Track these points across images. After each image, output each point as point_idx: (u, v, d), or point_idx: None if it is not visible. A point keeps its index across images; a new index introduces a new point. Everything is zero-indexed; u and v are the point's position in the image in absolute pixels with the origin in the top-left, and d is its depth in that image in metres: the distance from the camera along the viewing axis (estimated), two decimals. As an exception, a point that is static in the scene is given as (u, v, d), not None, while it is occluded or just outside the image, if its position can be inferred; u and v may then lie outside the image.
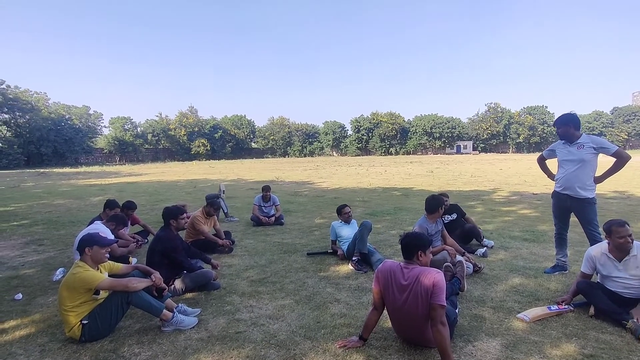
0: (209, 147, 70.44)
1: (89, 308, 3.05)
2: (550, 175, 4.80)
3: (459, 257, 4.51)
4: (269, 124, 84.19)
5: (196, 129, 71.29)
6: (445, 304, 2.70)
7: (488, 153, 72.70)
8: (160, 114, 72.08)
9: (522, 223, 7.47)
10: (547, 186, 14.44)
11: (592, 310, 3.43)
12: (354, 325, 3.33)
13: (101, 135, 67.81)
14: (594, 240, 4.26)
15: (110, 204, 5.74)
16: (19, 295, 4.16)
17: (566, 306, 3.53)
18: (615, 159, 4.19)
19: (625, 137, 71.89)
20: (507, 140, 76.85)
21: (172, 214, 4.25)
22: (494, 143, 77.58)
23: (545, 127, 74.36)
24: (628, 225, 3.41)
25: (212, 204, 6.13)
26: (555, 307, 3.51)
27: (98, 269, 3.19)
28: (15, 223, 8.74)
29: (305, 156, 79.87)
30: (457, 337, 3.06)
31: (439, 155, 69.72)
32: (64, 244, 6.61)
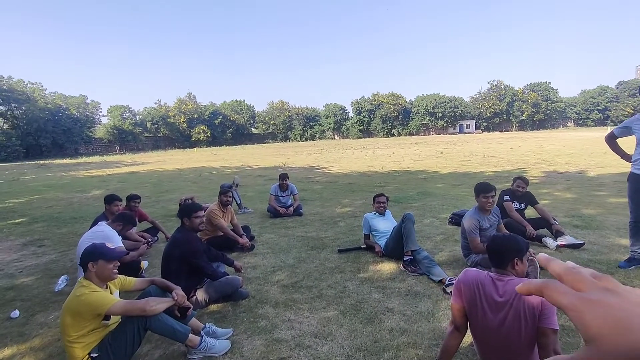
0: (209, 134, 69.49)
1: (98, 337, 2.45)
2: (625, 156, 4.13)
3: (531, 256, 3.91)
4: (268, 109, 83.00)
5: (196, 116, 70.18)
6: (558, 328, 2.09)
7: (491, 132, 71.73)
8: (159, 101, 70.91)
9: (563, 207, 6.85)
10: (570, 164, 13.79)
11: None
12: (420, 345, 2.73)
13: (100, 124, 66.77)
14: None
15: (110, 199, 5.08)
16: (16, 313, 3.57)
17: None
18: None
19: (631, 111, 70.54)
20: (511, 118, 75.79)
21: (184, 211, 3.63)
22: (497, 121, 76.53)
23: (549, 104, 73.16)
24: None
25: (221, 192, 5.51)
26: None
27: (107, 288, 2.58)
28: (12, 221, 8.14)
29: (306, 140, 78.93)
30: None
31: (441, 135, 68.72)
32: (66, 244, 6.01)
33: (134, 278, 2.86)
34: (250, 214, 7.75)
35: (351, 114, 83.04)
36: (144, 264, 4.51)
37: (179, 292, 2.75)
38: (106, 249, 2.54)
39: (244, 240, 5.17)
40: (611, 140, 4.19)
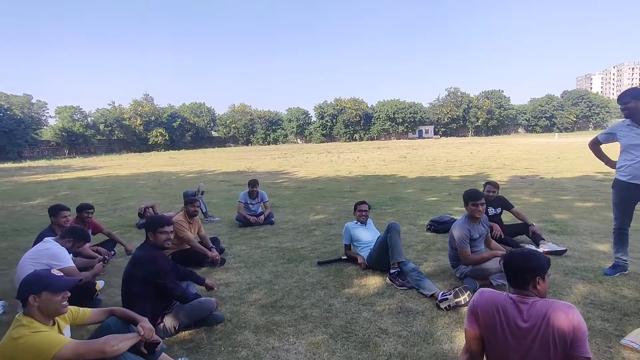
0: (167, 137, 66.87)
1: (42, 389, 1.97)
2: (609, 163, 4.11)
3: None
4: (230, 112, 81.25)
5: (153, 118, 67.28)
6: (591, 356, 1.88)
7: (449, 137, 74.28)
8: (113, 103, 67.44)
9: (534, 212, 6.91)
10: (530, 169, 14.30)
11: None
12: (424, 373, 2.46)
13: (47, 126, 62.41)
14: (667, 235, 3.63)
15: (55, 210, 4.42)
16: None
17: (670, 323, 2.86)
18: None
19: (574, 119, 75.83)
20: (467, 124, 78.88)
21: (150, 225, 3.17)
22: (454, 127, 79.40)
23: (502, 111, 76.90)
24: None
25: (188, 201, 5.03)
26: (659, 325, 2.82)
27: (54, 324, 2.10)
28: (-60, 235, 7.12)
29: (269, 144, 77.99)
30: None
31: (402, 140, 70.31)
32: (6, 262, 5.26)
33: (89, 309, 2.38)
34: (217, 223, 7.24)
35: (314, 119, 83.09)
36: (100, 284, 3.95)
37: (145, 325, 2.31)
38: (52, 278, 2.07)
39: (214, 253, 4.71)
40: (595, 146, 4.16)
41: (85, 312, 2.33)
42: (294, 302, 3.59)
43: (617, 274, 3.91)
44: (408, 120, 76.65)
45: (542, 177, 11.85)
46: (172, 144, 67.07)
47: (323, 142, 77.10)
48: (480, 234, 3.91)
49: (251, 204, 6.94)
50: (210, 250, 4.75)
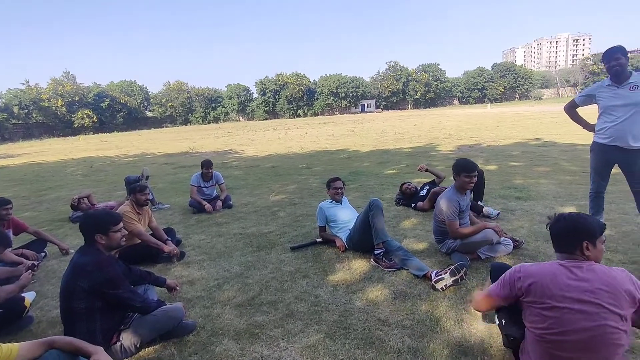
0: (95, 119, 61.13)
1: None
2: (587, 126, 4.04)
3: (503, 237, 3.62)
4: (165, 90, 76.04)
5: (77, 99, 60.98)
6: None
7: (390, 110, 75.85)
8: (27, 82, 59.79)
9: (494, 179, 6.97)
10: (475, 138, 14.77)
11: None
12: (442, 369, 2.17)
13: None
14: (643, 197, 3.65)
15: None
16: None
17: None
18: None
19: (503, 90, 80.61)
20: (406, 97, 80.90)
21: (98, 224, 2.52)
22: (394, 100, 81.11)
23: (438, 84, 79.71)
24: None
25: (137, 189, 4.31)
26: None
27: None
28: None
29: (209, 123, 74.65)
30: None
31: (346, 115, 70.61)
32: None
33: (16, 345, 1.75)
34: (167, 210, 6.49)
35: (256, 95, 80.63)
36: (30, 298, 3.21)
37: (100, 358, 1.75)
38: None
39: (171, 247, 4.09)
40: (571, 109, 4.07)
41: (12, 350, 1.71)
42: (275, 296, 3.15)
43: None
44: (351, 94, 76.99)
45: (489, 145, 12.24)
46: (102, 127, 61.60)
47: (266, 119, 75.31)
48: (467, 205, 3.69)
49: (205, 187, 6.27)
50: (166, 244, 4.12)
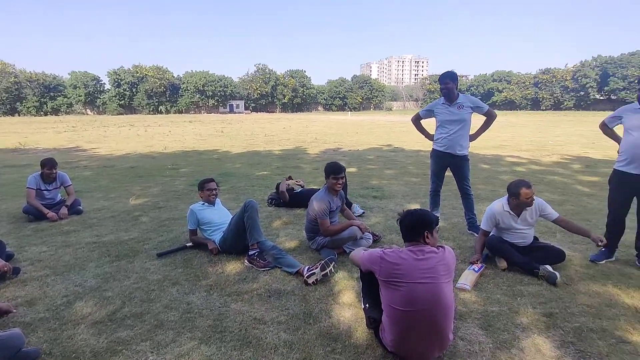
0: None
1: None
2: (428, 136, 4.79)
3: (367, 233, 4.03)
4: (-20, 71, 61.63)
5: None
6: None
7: (259, 112, 76.40)
8: None
9: (354, 180, 7.68)
10: (339, 142, 15.97)
11: (503, 264, 3.55)
12: (317, 356, 2.32)
13: None
14: (466, 193, 4.51)
15: None
16: None
17: (481, 264, 3.56)
18: (486, 117, 4.48)
19: (360, 100, 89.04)
20: (275, 100, 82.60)
21: None
22: (263, 103, 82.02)
23: (305, 90, 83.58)
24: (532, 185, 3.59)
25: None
26: (476, 267, 3.47)
27: None
28: None
29: (46, 114, 63.56)
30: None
31: (213, 114, 68.39)
32: None
33: None
34: (-9, 218, 5.30)
35: (108, 86, 71.77)
36: None
37: None
38: None
39: (0, 262, 3.37)
40: (417, 121, 4.79)
41: None
42: (141, 308, 2.89)
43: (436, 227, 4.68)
44: (219, 94, 74.89)
45: (350, 150, 13.40)
46: None
47: (121, 114, 67.77)
48: (337, 206, 4.01)
49: (47, 190, 5.32)
50: (-9, 259, 3.38)
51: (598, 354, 2.34)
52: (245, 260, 3.66)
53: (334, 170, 3.80)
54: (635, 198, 3.62)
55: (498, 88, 78.86)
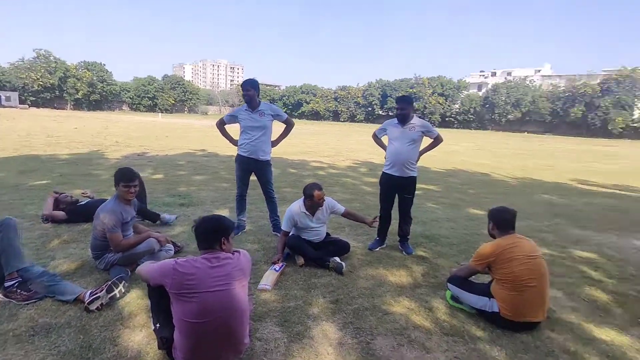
0: None
1: None
2: (232, 141, 4.79)
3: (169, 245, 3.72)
4: None
5: None
6: None
7: (41, 108, 62.79)
8: None
9: (159, 187, 7.10)
10: (145, 147, 14.56)
11: (301, 260, 3.86)
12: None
13: None
14: (270, 197, 4.72)
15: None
16: None
17: (282, 263, 3.77)
18: (285, 125, 4.79)
19: (173, 102, 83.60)
20: (65, 95, 69.50)
21: None
22: (48, 97, 67.88)
23: (105, 86, 73.21)
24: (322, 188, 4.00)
25: None
26: (277, 266, 3.65)
27: None
28: None
29: None
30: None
31: (-30, 107, 52.44)
32: None
33: None
34: None
35: None
36: None
37: None
38: None
39: None
40: (221, 125, 4.74)
41: None
42: None
43: (239, 232, 4.72)
44: (-24, 80, 57.94)
45: (158, 154, 12.37)
46: None
47: None
48: (132, 216, 3.57)
49: None
50: None
51: (369, 328, 2.77)
52: (0, 295, 2.87)
53: (124, 178, 3.37)
54: (397, 195, 4.47)
55: (306, 100, 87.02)
